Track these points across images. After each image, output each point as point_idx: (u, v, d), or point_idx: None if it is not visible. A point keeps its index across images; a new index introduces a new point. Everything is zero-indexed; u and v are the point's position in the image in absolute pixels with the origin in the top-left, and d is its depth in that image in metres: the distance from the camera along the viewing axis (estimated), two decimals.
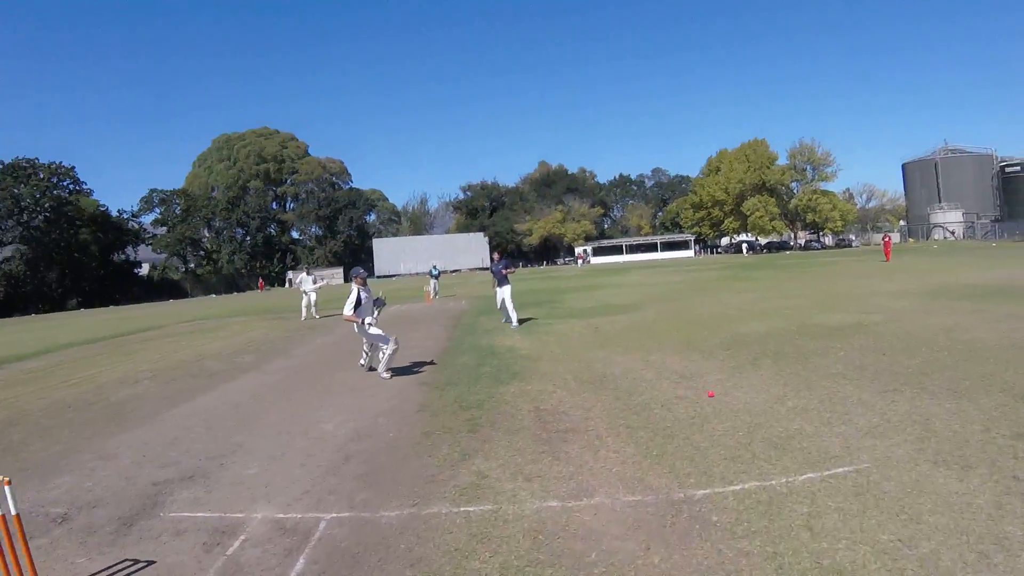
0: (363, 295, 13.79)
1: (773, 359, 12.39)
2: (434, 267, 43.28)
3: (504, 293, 21.66)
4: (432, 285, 40.74)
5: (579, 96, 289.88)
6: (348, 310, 13.51)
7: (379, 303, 14.65)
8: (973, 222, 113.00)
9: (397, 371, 14.05)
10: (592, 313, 23.85)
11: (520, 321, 21.53)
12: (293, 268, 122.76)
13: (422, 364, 14.87)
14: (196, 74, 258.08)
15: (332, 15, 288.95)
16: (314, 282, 32.26)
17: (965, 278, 28.92)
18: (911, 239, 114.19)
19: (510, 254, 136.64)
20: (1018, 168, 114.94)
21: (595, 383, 11.48)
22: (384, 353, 13.78)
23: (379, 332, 13.94)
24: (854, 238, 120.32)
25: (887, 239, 54.14)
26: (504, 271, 21.95)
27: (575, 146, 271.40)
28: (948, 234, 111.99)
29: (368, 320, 13.78)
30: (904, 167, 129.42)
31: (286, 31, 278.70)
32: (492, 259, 24.47)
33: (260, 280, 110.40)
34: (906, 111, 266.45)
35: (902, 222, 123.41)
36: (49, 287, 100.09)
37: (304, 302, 31.77)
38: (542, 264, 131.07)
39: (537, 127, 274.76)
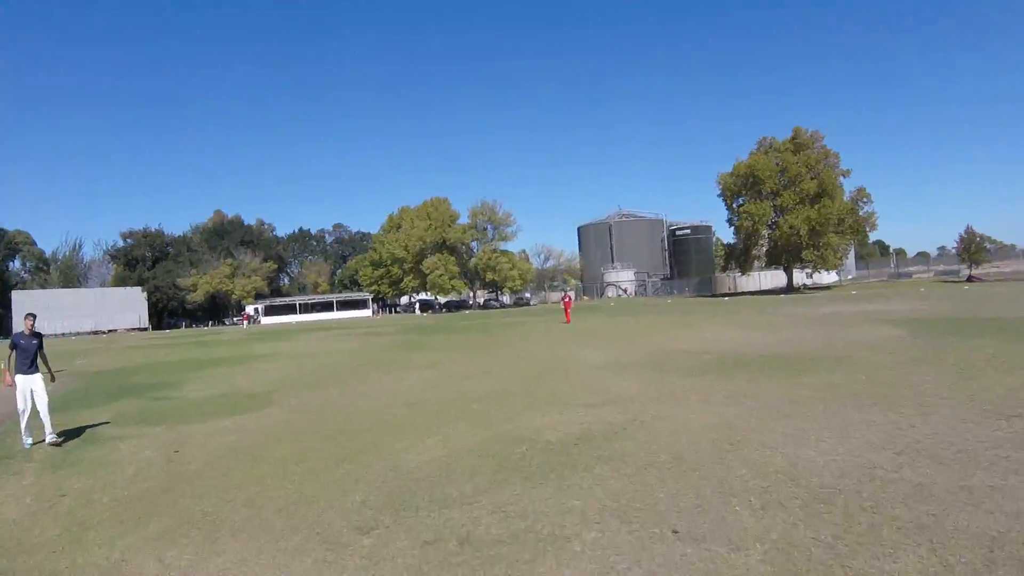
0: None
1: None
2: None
3: (33, 384, 13.50)
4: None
5: (259, 143, 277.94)
6: None
7: None
8: (644, 280, 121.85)
9: None
10: (204, 409, 17.09)
11: (61, 435, 13.81)
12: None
13: None
14: None
15: None
16: None
17: (673, 341, 27.55)
18: (586, 297, 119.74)
19: (171, 312, 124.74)
20: (687, 231, 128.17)
21: None
22: None
23: None
24: (530, 296, 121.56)
25: (567, 299, 51.01)
26: (34, 345, 13.60)
27: (254, 197, 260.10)
28: (621, 292, 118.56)
29: None
30: (580, 229, 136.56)
31: None
32: (25, 330, 13.85)
33: None
34: (583, 178, 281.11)
35: (576, 281, 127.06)
36: None
37: None
38: (208, 324, 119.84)
39: (214, 173, 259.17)
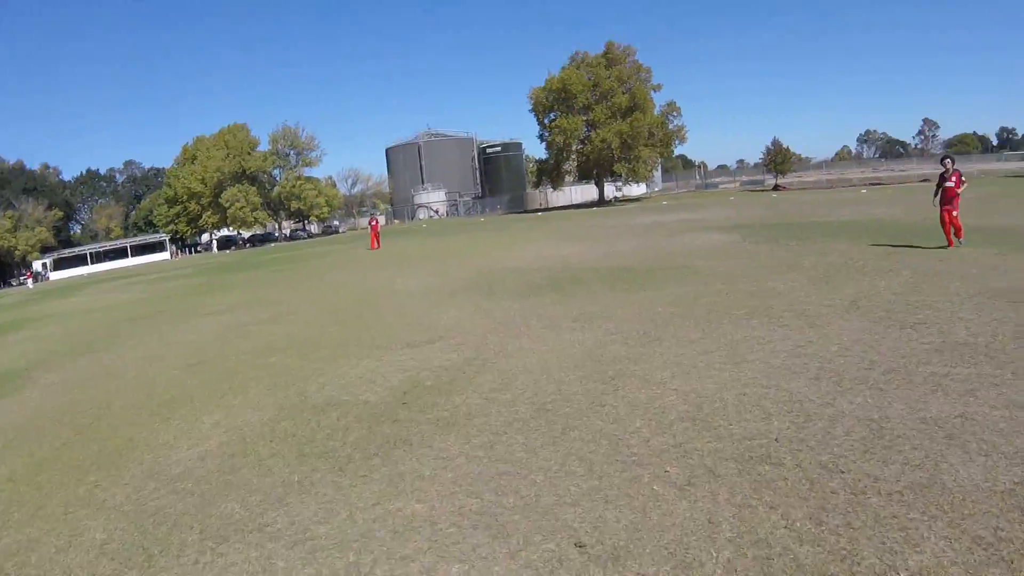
0: None
1: None
2: None
3: None
4: None
5: (38, 78, 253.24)
6: None
7: None
8: (456, 200, 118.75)
9: None
10: None
11: None
12: None
13: None
14: None
15: None
16: None
17: (495, 260, 25.62)
18: (397, 220, 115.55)
19: None
20: (498, 149, 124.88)
21: None
22: None
23: None
24: (339, 224, 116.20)
25: (374, 222, 48.29)
26: None
27: (36, 138, 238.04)
28: (433, 213, 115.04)
29: None
30: (388, 151, 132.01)
31: None
32: None
33: None
34: (391, 99, 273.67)
35: (385, 205, 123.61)
36: None
37: None
38: None
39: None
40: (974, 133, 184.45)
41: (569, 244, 29.33)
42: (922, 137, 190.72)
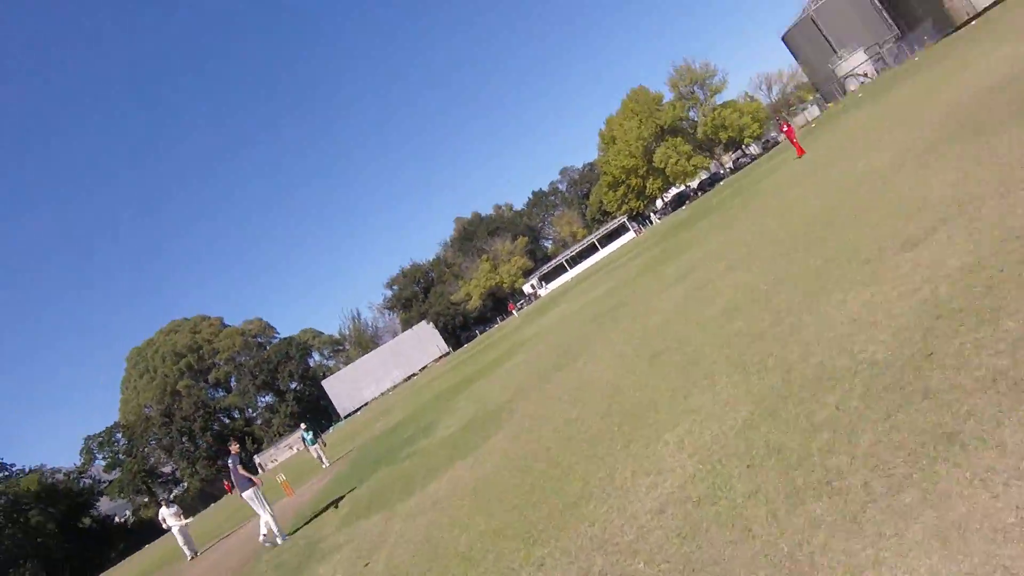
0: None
1: None
2: (305, 430, 32.73)
3: (251, 499, 15.57)
4: (314, 453, 32.08)
5: (459, 142, 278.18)
6: None
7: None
8: (878, 53, 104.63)
9: None
10: (435, 460, 13.91)
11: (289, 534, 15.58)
12: (258, 451, 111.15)
13: None
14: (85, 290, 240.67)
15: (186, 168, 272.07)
16: (176, 515, 25.67)
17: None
18: (829, 104, 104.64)
19: (462, 328, 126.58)
20: None
21: None
22: None
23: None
24: (776, 135, 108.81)
25: (785, 128, 41.95)
26: (240, 471, 15.72)
27: (483, 190, 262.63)
28: (862, 78, 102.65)
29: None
30: (785, 39, 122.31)
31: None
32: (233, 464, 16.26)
33: (225, 483, 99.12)
34: None
35: (812, 95, 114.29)
36: None
37: (180, 541, 25.15)
38: (497, 321, 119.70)
39: (443, 187, 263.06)
40: None
41: None
42: None
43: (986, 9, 78.41)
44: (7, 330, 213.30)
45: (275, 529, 15.45)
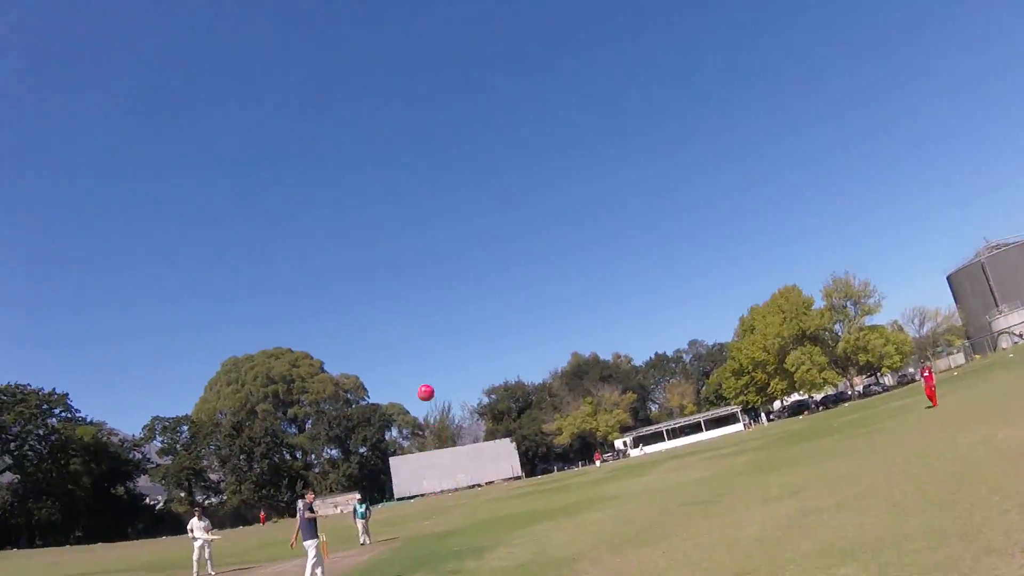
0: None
1: None
2: (359, 501, 32.15)
3: (310, 548, 16.47)
4: (360, 527, 31.07)
5: (601, 280, 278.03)
6: None
7: None
8: None
9: None
10: None
11: None
12: (302, 498, 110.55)
13: None
14: (207, 294, 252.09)
15: (337, 221, 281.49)
16: (206, 529, 25.66)
17: None
18: (977, 355, 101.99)
19: (541, 458, 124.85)
20: None
21: None
22: None
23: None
24: (914, 371, 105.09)
25: (927, 373, 37.23)
26: (308, 518, 16.81)
27: (609, 333, 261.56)
28: (1016, 338, 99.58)
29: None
30: (950, 278, 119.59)
31: (291, 241, 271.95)
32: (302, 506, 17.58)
33: (261, 512, 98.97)
34: (936, 218, 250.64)
35: (962, 340, 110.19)
36: (42, 521, 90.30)
37: (196, 555, 24.80)
38: (578, 464, 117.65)
39: (566, 318, 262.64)
40: None
41: None
42: None
43: None
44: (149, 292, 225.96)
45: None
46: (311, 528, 16.67)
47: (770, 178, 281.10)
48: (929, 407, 33.45)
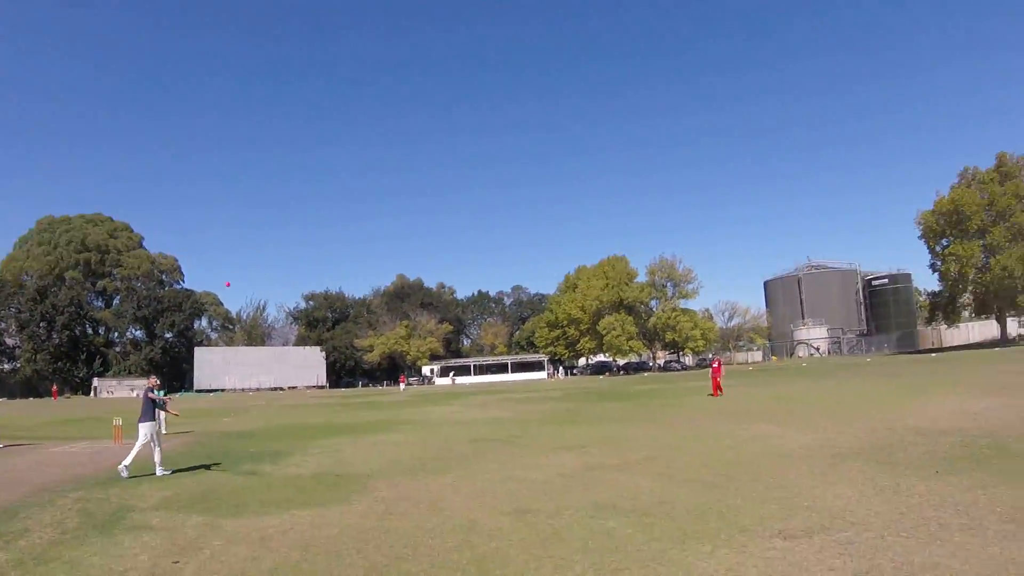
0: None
1: None
2: (157, 387, 31.82)
3: (145, 433, 16.14)
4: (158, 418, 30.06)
5: (439, 209, 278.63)
6: None
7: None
8: (839, 337, 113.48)
9: None
10: (280, 493, 13.62)
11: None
12: (100, 375, 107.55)
13: None
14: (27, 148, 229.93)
15: (184, 88, 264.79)
16: None
17: (892, 414, 21.85)
18: (775, 357, 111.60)
19: (348, 372, 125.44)
20: (884, 281, 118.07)
21: None
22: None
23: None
24: (712, 355, 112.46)
25: (716, 364, 38.81)
26: (150, 401, 16.48)
27: (437, 262, 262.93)
28: (813, 350, 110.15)
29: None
30: (766, 284, 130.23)
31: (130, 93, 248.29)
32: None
33: (54, 387, 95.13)
34: (767, 228, 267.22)
35: (764, 340, 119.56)
36: None
37: None
38: (383, 384, 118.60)
39: (399, 238, 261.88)
40: None
41: (981, 397, 24.64)
42: None
43: (951, 348, 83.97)
44: None
45: (157, 460, 16.35)
46: (150, 413, 16.24)
47: (632, 150, 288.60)
48: (710, 395, 35.85)
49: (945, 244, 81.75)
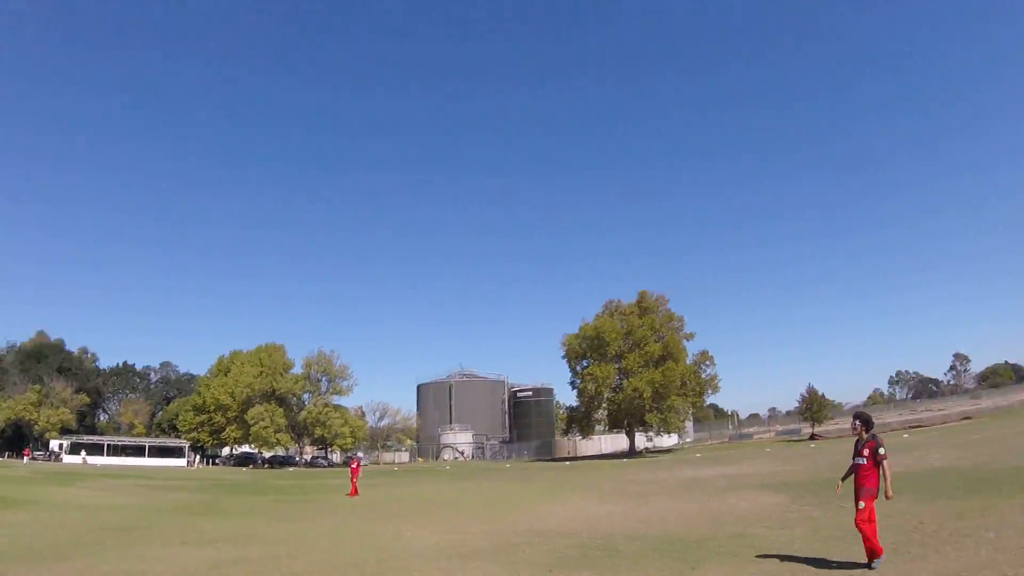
0: None
1: None
2: None
3: None
4: None
5: (91, 261, 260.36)
6: None
7: None
8: (483, 443, 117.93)
9: None
10: None
11: None
12: None
13: None
14: None
15: None
16: None
17: (521, 516, 23.63)
18: (420, 458, 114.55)
19: None
20: (528, 393, 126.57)
21: None
22: None
23: None
24: (363, 456, 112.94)
25: (354, 464, 39.50)
26: None
27: (82, 323, 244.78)
28: (458, 454, 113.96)
29: None
30: (419, 387, 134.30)
31: None
32: None
33: None
34: (425, 336, 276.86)
35: (412, 442, 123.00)
36: None
37: None
38: (3, 456, 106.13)
39: (44, 285, 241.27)
40: (1006, 363, 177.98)
41: (601, 502, 27.17)
42: (954, 372, 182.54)
43: (585, 457, 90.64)
44: None
45: None
46: None
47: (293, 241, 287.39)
48: (346, 495, 36.17)
49: (585, 364, 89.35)
